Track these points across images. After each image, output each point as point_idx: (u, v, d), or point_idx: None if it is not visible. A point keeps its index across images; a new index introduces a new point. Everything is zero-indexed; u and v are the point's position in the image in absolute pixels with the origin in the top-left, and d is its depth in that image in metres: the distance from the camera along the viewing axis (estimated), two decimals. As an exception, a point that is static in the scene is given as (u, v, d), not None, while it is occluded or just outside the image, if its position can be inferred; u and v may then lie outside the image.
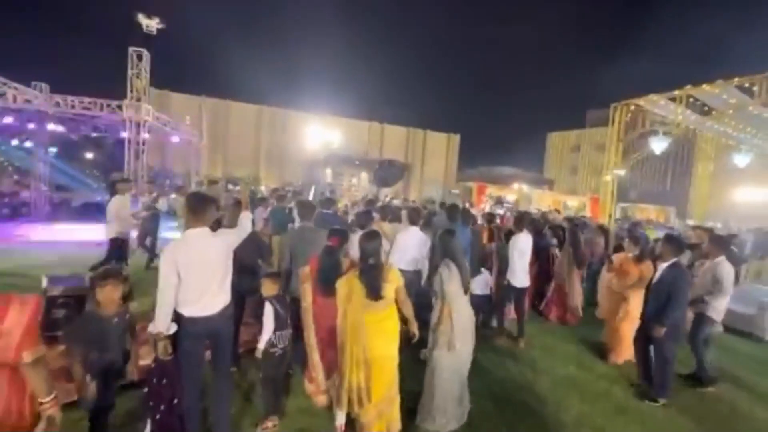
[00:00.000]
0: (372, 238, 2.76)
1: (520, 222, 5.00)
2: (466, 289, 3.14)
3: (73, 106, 8.88)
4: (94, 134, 12.78)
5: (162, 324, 2.24)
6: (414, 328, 2.81)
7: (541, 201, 23.17)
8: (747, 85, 7.63)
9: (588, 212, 23.19)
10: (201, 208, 2.45)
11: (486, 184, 23.27)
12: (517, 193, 23.63)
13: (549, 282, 5.55)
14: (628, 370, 4.15)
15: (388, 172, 5.57)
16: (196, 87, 28.45)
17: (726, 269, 3.98)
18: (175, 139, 12.40)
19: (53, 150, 14.11)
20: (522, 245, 4.77)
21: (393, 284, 2.70)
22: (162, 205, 7.42)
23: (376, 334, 2.66)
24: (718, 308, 3.98)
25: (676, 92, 8.36)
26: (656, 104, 9.18)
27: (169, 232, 7.73)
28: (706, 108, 9.03)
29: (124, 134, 9.88)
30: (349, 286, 2.69)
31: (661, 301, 3.53)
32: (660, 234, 8.22)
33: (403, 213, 5.47)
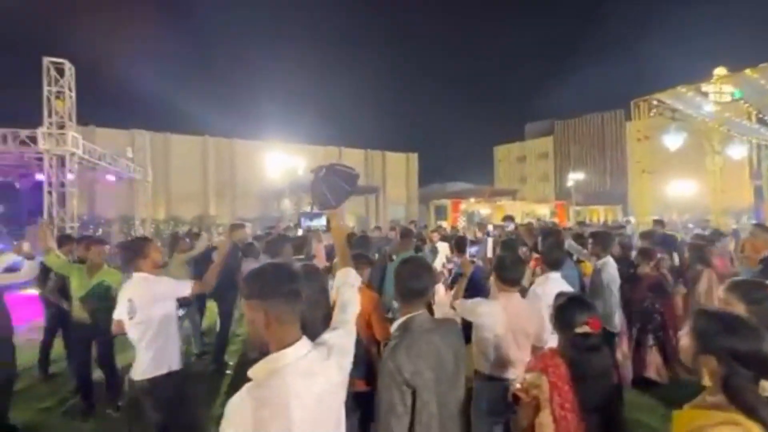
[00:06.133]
0: None
1: (605, 243, 3.84)
2: None
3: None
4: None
5: None
6: None
7: (512, 212, 22.95)
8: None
9: (557, 218, 23.43)
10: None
11: (460, 201, 22.60)
12: (492, 206, 23.23)
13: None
14: None
15: (330, 184, 1.59)
16: (126, 121, 25.05)
17: None
18: (110, 177, 9.83)
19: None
20: (614, 274, 3.66)
21: None
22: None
23: None
24: None
25: (715, 76, 7.99)
26: (682, 98, 8.86)
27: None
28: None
29: (41, 176, 7.34)
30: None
31: None
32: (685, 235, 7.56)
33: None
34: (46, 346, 4.44)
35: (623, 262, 4.16)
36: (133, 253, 2.51)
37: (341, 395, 1.22)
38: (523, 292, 2.59)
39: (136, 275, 2.47)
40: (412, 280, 1.61)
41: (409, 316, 1.56)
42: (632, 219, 18.30)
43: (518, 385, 1.53)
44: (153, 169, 18.26)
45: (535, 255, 4.29)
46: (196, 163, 26.02)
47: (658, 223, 6.61)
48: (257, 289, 1.13)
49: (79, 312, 3.60)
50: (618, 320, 3.71)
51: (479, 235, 6.93)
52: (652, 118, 11.06)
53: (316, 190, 1.64)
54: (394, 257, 4.55)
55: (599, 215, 29.38)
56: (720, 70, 9.52)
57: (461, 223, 19.21)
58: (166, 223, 21.20)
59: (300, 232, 7.65)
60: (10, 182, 11.00)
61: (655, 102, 9.84)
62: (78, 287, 3.61)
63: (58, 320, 4.21)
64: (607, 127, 40.71)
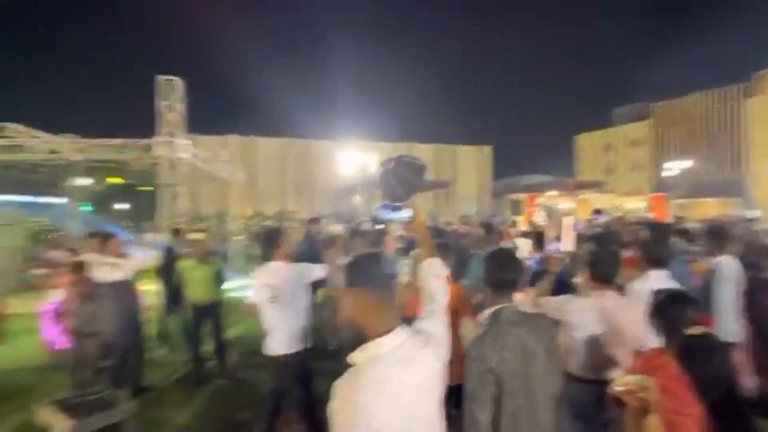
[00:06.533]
0: None
1: (722, 240, 3.31)
2: None
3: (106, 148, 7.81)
4: (125, 182, 11.85)
5: None
6: None
7: (600, 206, 20.89)
8: None
9: (653, 213, 20.78)
10: None
11: (536, 194, 21.26)
12: (575, 199, 21.44)
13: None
14: None
15: (399, 176, 1.49)
16: (220, 128, 28.10)
17: None
18: (216, 177, 11.33)
19: (87, 205, 13.19)
20: (732, 276, 3.18)
21: None
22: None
23: None
24: None
25: None
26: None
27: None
28: None
29: (160, 179, 8.72)
30: None
31: None
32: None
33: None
34: (165, 323, 5.22)
35: (747, 262, 3.56)
36: (269, 244, 2.80)
37: (439, 384, 1.23)
38: (620, 292, 2.40)
39: (272, 264, 2.74)
40: (503, 271, 1.61)
41: (498, 307, 1.56)
42: (755, 213, 15.35)
43: (622, 388, 1.42)
44: (243, 169, 20.18)
45: (628, 253, 3.89)
46: (277, 163, 28.15)
47: None
48: (358, 276, 1.19)
49: (197, 294, 4.20)
50: (736, 329, 3.22)
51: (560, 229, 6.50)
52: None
53: (386, 183, 1.61)
54: (480, 252, 4.49)
55: (709, 209, 25.40)
56: None
57: (539, 218, 18.03)
58: (253, 218, 23.28)
59: (373, 226, 7.87)
60: (133, 184, 13.04)
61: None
62: (195, 275, 4.22)
63: (176, 301, 4.92)
64: (717, 106, 34.83)
